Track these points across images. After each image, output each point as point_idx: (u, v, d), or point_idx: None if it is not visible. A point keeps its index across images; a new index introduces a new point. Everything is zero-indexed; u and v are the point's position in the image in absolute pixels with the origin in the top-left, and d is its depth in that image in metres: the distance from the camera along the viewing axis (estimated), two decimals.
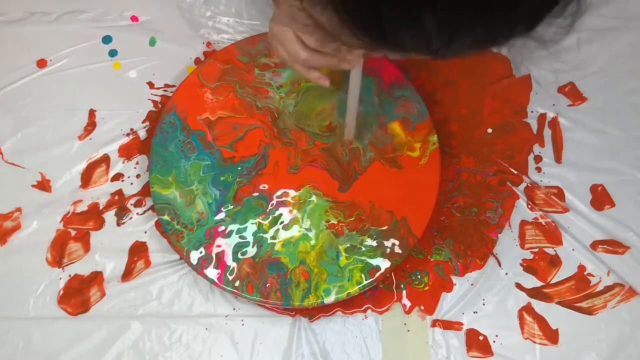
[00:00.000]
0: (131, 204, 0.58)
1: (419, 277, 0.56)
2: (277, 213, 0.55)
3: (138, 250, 0.56)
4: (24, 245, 0.56)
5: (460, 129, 0.60)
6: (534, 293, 0.55)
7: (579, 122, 0.60)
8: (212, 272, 0.53)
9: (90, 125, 0.61)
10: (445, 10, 0.24)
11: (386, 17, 0.25)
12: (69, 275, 0.55)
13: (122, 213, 0.58)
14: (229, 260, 0.53)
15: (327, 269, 0.53)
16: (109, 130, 0.60)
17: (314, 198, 0.56)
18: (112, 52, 0.63)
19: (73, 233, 0.57)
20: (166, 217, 0.55)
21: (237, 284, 0.53)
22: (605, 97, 0.61)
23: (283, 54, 0.48)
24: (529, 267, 0.56)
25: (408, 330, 0.54)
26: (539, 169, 0.59)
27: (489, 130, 0.60)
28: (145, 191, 0.58)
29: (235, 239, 0.54)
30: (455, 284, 0.55)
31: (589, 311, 0.54)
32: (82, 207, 0.58)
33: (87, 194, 0.58)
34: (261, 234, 0.54)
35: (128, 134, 0.60)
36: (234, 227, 0.55)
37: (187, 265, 0.55)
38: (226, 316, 0.55)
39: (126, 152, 0.60)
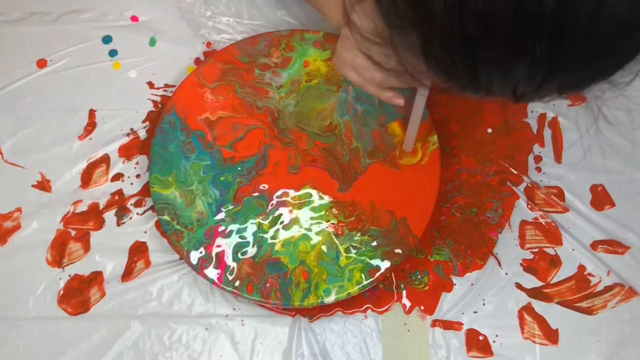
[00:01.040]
0: (131, 204, 0.58)
1: (419, 277, 0.56)
2: (277, 213, 0.55)
3: (138, 250, 0.56)
4: (24, 245, 0.56)
5: (460, 129, 0.60)
6: (534, 293, 0.55)
7: (579, 122, 0.60)
8: (212, 272, 0.53)
9: (90, 125, 0.61)
10: (540, 63, 0.25)
11: (481, 69, 0.26)
12: (69, 275, 0.55)
13: (122, 213, 0.58)
14: (229, 260, 0.53)
15: (327, 269, 0.53)
16: (109, 130, 0.60)
17: (314, 198, 0.56)
18: (112, 52, 0.63)
19: (73, 233, 0.57)
20: (166, 217, 0.55)
21: (237, 284, 0.53)
22: (624, 130, 0.60)
23: (355, 78, 0.48)
24: (529, 267, 0.56)
25: (408, 330, 0.54)
26: (539, 169, 0.59)
27: (489, 130, 0.60)
28: (145, 191, 0.58)
29: (235, 239, 0.54)
30: (455, 284, 0.55)
31: (589, 311, 0.54)
32: (82, 207, 0.58)
33: (87, 194, 0.58)
34: (261, 234, 0.54)
35: (128, 134, 0.60)
36: (234, 227, 0.55)
37: (187, 265, 0.55)
38: (226, 316, 0.55)
39: (126, 152, 0.60)
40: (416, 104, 0.51)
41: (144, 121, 0.61)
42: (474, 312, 0.54)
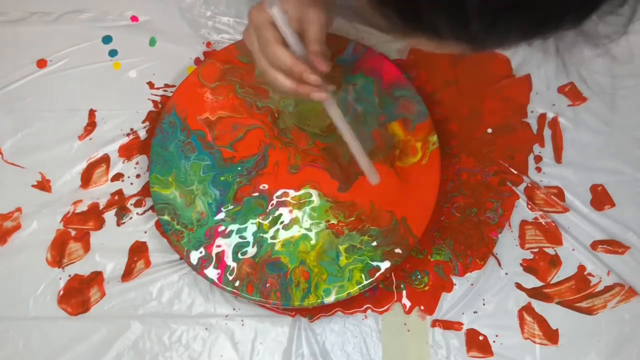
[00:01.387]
0: (131, 204, 0.58)
1: (419, 277, 0.56)
2: (277, 213, 0.55)
3: (138, 250, 0.56)
4: (24, 245, 0.56)
5: (460, 129, 0.60)
6: (534, 293, 0.55)
7: (579, 122, 0.60)
8: (212, 272, 0.53)
9: (90, 125, 0.61)
10: None
11: (424, 5, 0.23)
12: (69, 275, 0.55)
13: (122, 213, 0.58)
14: (229, 260, 0.54)
15: (327, 269, 0.53)
16: (109, 130, 0.60)
17: (314, 198, 0.56)
18: (112, 52, 0.63)
19: (73, 233, 0.57)
20: (166, 217, 0.55)
21: (237, 284, 0.53)
22: (605, 97, 0.60)
23: (265, 67, 0.44)
24: (529, 267, 0.56)
25: (408, 330, 0.54)
26: (539, 169, 0.59)
27: (489, 130, 0.60)
28: (145, 191, 0.58)
29: (235, 239, 0.54)
30: (455, 284, 0.55)
31: (589, 311, 0.54)
32: (82, 207, 0.58)
33: (87, 194, 0.58)
34: (261, 234, 0.54)
35: (128, 134, 0.60)
36: (234, 227, 0.55)
37: (187, 265, 0.55)
38: (226, 316, 0.55)
39: (126, 152, 0.60)
40: (344, 134, 0.47)
41: (144, 121, 0.61)
42: (474, 312, 0.54)
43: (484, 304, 0.55)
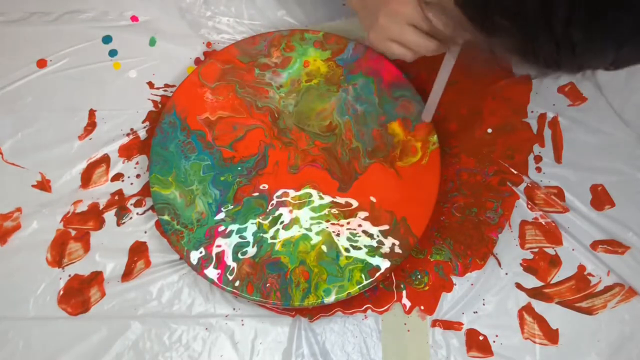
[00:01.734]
0: (131, 204, 0.58)
1: (419, 277, 0.56)
2: (277, 213, 0.55)
3: (138, 250, 0.56)
4: (24, 245, 0.56)
5: (460, 129, 0.60)
6: (534, 293, 0.55)
7: (579, 122, 0.60)
8: (212, 272, 0.53)
9: (90, 125, 0.61)
10: None
11: (579, 49, 0.25)
12: (69, 275, 0.55)
13: (122, 213, 0.58)
14: (229, 260, 0.54)
15: (327, 269, 0.53)
16: (109, 130, 0.61)
17: (314, 198, 0.56)
18: (112, 52, 0.63)
19: (73, 233, 0.57)
20: (166, 217, 0.55)
21: (237, 284, 0.53)
22: (605, 97, 0.61)
23: (400, 51, 0.46)
24: (529, 267, 0.56)
25: (408, 330, 0.54)
26: (539, 169, 0.59)
27: (489, 130, 0.60)
28: (145, 191, 0.58)
29: (235, 239, 0.54)
30: (455, 284, 0.55)
31: (589, 311, 0.54)
32: (82, 207, 0.58)
33: (87, 194, 0.58)
34: (261, 234, 0.54)
35: (128, 134, 0.60)
36: (234, 227, 0.55)
37: (187, 265, 0.55)
38: (226, 316, 0.55)
39: (126, 152, 0.60)
40: (443, 69, 0.48)
41: (144, 121, 0.61)
42: (474, 312, 0.54)
43: (484, 304, 0.55)
